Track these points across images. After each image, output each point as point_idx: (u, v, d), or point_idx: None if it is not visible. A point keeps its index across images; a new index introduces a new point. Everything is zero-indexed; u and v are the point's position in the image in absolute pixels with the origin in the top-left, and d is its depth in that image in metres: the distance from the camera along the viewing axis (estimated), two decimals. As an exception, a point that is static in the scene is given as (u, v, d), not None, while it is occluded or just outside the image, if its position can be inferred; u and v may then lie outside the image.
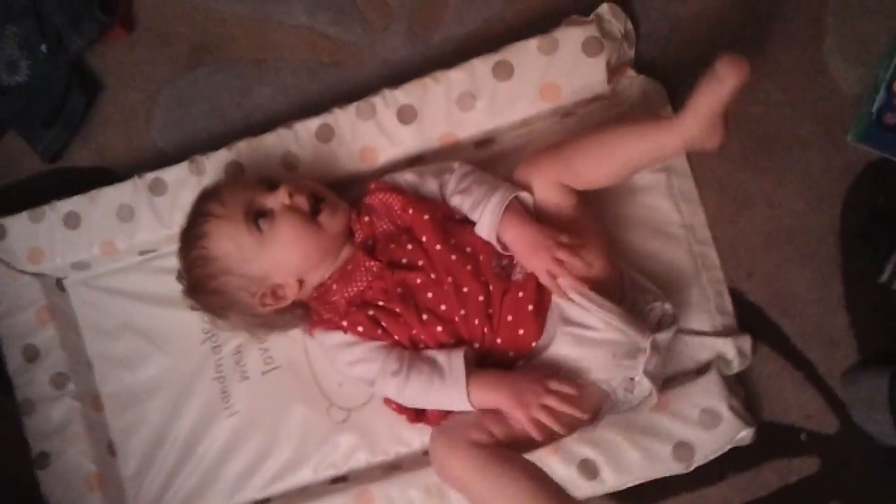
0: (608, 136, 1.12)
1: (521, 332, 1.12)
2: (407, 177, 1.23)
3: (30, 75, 1.41)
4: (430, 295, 1.14)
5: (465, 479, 1.04)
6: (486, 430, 1.05)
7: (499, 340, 1.13)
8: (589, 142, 1.13)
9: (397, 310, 1.14)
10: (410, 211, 1.16)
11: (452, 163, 1.23)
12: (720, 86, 0.99)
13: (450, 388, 1.09)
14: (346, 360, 1.18)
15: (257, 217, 1.15)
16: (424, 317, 1.13)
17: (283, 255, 1.17)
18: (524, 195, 1.15)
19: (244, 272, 1.18)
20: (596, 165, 1.12)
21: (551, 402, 1.04)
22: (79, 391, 1.34)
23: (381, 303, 1.16)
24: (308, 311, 1.25)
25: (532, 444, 1.08)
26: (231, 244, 1.16)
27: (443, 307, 1.13)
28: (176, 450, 1.35)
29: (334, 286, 1.18)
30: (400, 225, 1.18)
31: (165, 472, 1.35)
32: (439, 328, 1.13)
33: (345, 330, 1.17)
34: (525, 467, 1.04)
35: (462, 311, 1.12)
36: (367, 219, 1.20)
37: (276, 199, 1.15)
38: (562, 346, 1.10)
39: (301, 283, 1.20)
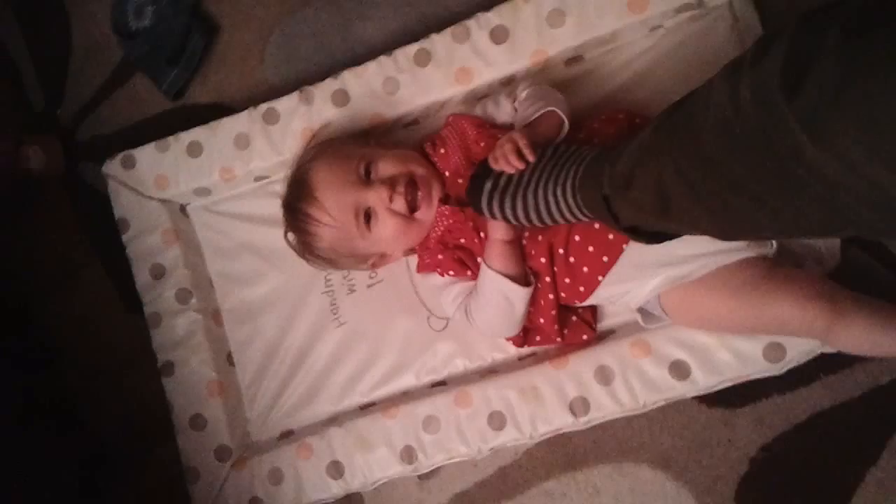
0: None
1: (596, 225, 1.14)
2: (487, 106, 1.29)
3: (154, 19, 1.54)
4: None
5: None
6: None
7: (577, 238, 1.15)
8: None
9: (476, 241, 1.21)
10: (482, 144, 1.22)
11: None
12: None
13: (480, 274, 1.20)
14: (447, 299, 1.26)
15: (365, 218, 1.22)
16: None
17: (387, 245, 1.27)
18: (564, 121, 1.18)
19: (353, 253, 1.28)
20: None
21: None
22: (201, 306, 1.45)
23: (462, 241, 1.23)
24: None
25: None
26: (340, 241, 1.25)
27: None
28: (289, 359, 1.44)
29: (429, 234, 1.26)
30: (468, 156, 1.24)
31: (279, 380, 1.44)
32: None
33: (441, 273, 1.25)
34: None
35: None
36: (442, 151, 1.26)
37: (378, 198, 1.20)
38: None
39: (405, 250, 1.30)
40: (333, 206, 1.22)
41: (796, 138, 0.60)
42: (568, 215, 1.06)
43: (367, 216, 1.22)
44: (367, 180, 1.22)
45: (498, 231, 1.16)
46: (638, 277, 1.15)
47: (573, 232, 1.15)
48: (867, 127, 0.56)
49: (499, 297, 1.18)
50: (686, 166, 0.79)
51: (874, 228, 0.66)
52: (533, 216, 1.09)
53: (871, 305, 1.06)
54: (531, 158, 1.08)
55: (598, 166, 0.99)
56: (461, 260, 1.23)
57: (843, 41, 0.57)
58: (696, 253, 1.10)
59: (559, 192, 1.05)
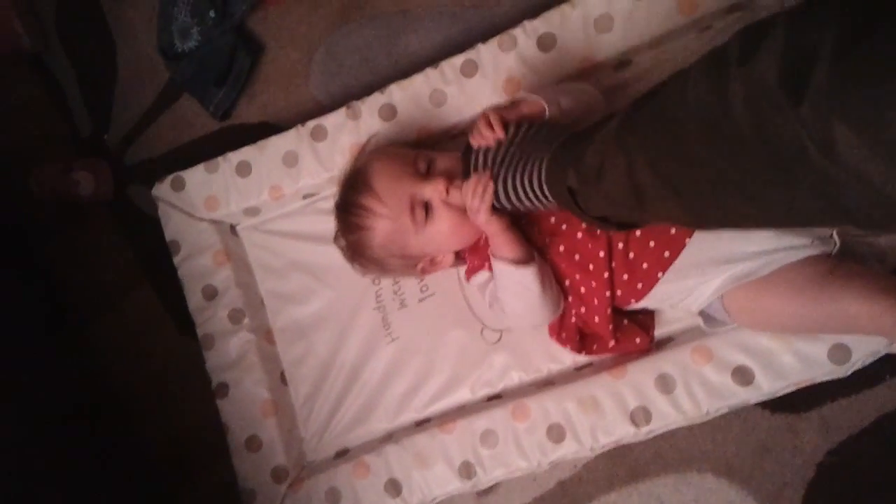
0: None
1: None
2: None
3: (200, 40, 1.55)
4: (551, 219, 1.20)
5: None
6: None
7: (638, 232, 1.14)
8: None
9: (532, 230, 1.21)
10: None
11: None
12: None
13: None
14: (489, 294, 1.25)
15: (423, 210, 1.20)
16: (547, 240, 1.20)
17: (441, 243, 1.25)
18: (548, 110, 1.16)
19: (404, 254, 1.26)
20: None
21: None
22: (253, 325, 1.45)
23: None
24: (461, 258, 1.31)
25: None
26: (393, 237, 1.23)
27: (553, 219, 1.19)
28: (342, 377, 1.43)
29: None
30: None
31: (333, 398, 1.43)
32: (562, 247, 1.19)
33: (490, 268, 1.23)
34: None
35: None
36: None
37: (435, 190, 1.19)
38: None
39: (456, 253, 1.29)
40: (390, 197, 1.20)
41: (801, 141, 0.60)
42: (539, 204, 1.07)
43: (424, 211, 1.20)
44: (425, 174, 1.21)
45: (490, 225, 1.15)
46: (697, 276, 1.12)
47: None
48: (872, 130, 0.55)
49: (514, 284, 1.18)
50: (662, 162, 0.78)
51: (873, 223, 0.65)
52: (506, 204, 1.11)
53: None
54: (499, 132, 1.11)
55: (564, 157, 0.99)
56: None
57: (843, 41, 0.57)
58: (759, 250, 1.07)
59: (526, 183, 1.06)
